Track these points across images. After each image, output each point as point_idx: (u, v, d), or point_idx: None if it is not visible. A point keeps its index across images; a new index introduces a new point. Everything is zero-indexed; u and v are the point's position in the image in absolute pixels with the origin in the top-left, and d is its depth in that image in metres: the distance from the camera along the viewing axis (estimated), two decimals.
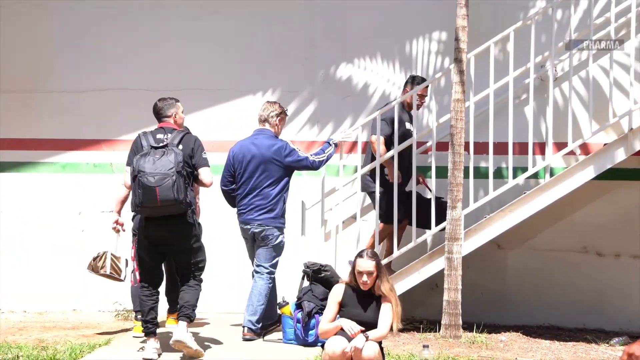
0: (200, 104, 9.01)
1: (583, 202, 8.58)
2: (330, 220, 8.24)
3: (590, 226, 8.70)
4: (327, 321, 6.19)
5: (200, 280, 7.00)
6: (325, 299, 7.47)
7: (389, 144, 8.10)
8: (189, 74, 9.08)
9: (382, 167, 8.04)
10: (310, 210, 8.23)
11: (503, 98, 8.15)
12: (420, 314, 8.50)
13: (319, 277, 7.51)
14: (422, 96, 8.23)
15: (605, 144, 7.89)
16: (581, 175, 7.68)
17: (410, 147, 7.99)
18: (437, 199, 8.08)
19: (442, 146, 8.26)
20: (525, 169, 7.89)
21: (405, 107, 8.30)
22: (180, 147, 6.92)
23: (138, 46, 9.13)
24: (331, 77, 9.01)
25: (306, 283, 7.63)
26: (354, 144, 8.54)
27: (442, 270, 7.67)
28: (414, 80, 8.31)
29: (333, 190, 8.15)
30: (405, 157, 8.03)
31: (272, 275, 7.60)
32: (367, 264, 6.14)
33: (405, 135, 8.13)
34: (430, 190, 8.30)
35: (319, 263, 7.62)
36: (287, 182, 7.62)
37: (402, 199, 8.00)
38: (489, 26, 8.29)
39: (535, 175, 8.27)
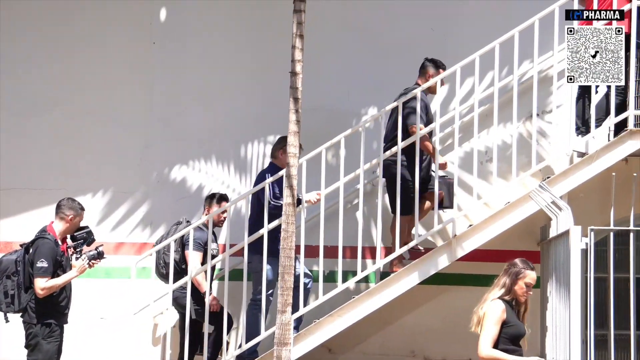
0: (29, 204, 8.78)
1: (412, 306, 8.70)
2: (160, 325, 8.06)
3: (419, 330, 8.82)
4: (491, 343, 5.83)
5: None
6: None
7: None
8: (19, 172, 8.85)
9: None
10: (139, 314, 8.02)
11: (334, 202, 8.25)
12: None
13: None
14: (442, 82, 8.15)
15: (430, 249, 8.07)
16: (407, 281, 7.79)
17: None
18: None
19: None
20: (355, 273, 7.96)
21: (426, 92, 8.21)
22: (31, 250, 6.97)
23: None
24: (166, 178, 8.95)
25: None
26: None
27: None
28: (435, 64, 8.21)
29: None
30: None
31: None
32: (533, 275, 6.02)
33: (431, 120, 8.13)
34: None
35: None
36: None
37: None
38: (323, 131, 8.43)
39: (367, 279, 8.34)
